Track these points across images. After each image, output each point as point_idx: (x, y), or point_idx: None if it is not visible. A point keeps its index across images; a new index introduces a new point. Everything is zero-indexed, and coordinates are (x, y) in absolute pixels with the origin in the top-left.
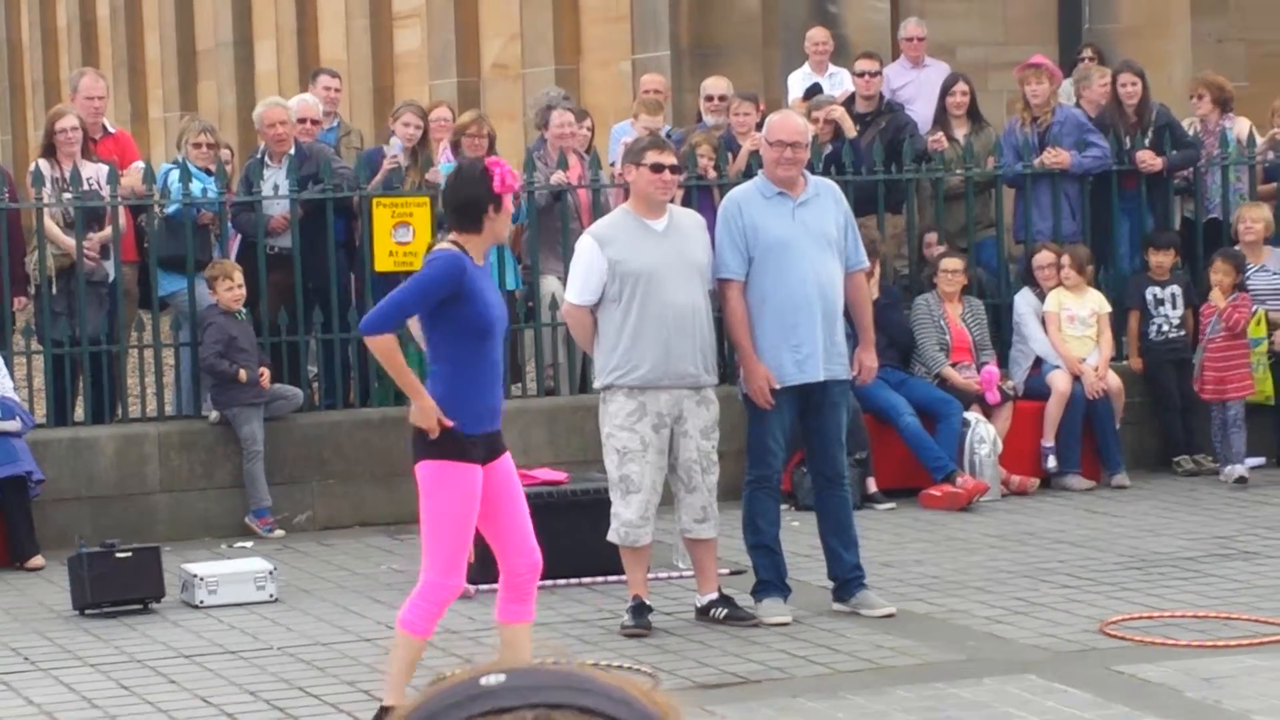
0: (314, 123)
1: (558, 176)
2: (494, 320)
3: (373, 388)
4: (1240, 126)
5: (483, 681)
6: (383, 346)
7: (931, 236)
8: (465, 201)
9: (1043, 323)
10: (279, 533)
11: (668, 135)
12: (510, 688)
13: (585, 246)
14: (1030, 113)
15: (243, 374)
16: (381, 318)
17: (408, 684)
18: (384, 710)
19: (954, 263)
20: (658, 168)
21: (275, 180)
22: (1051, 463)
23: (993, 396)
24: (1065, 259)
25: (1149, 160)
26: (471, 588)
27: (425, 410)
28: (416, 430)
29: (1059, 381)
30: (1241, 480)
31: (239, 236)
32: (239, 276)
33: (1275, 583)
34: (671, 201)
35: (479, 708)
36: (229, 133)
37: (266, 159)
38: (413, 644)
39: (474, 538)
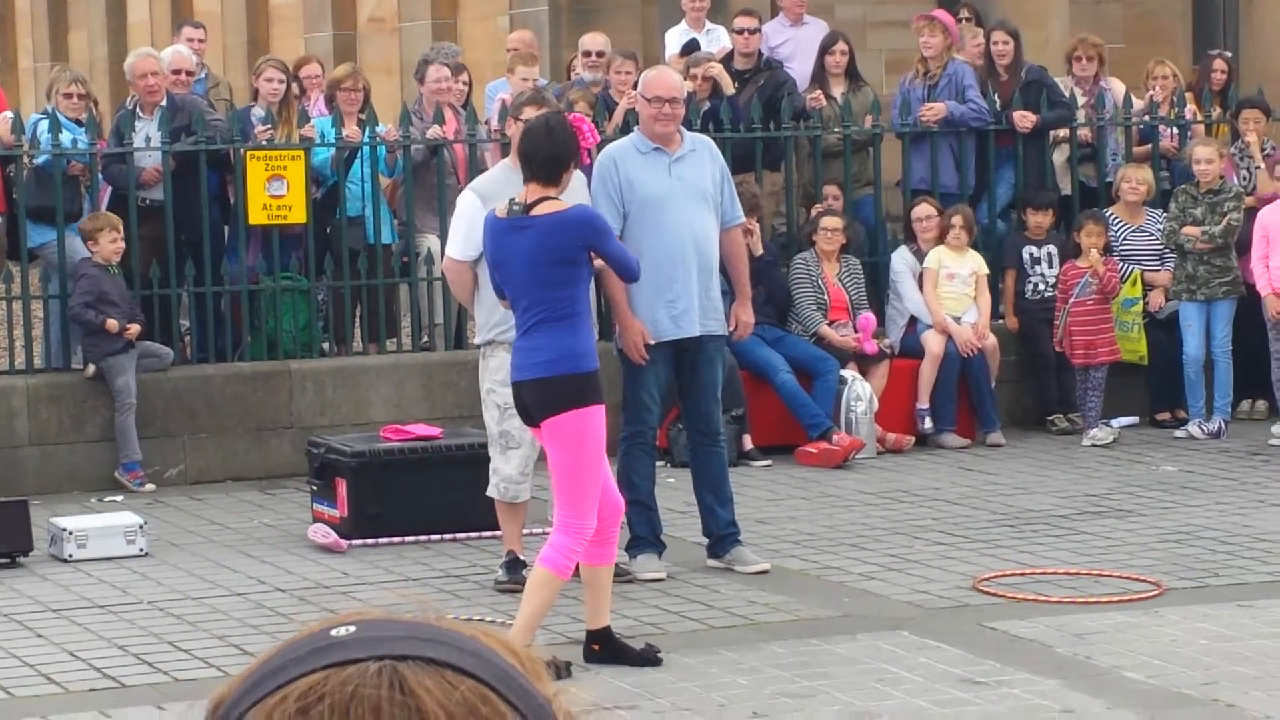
0: (188, 74)
1: (434, 131)
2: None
3: (245, 342)
4: (1116, 88)
5: (333, 633)
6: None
7: (831, 189)
8: (551, 156)
9: (919, 281)
10: (149, 486)
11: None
12: (358, 639)
13: (468, 202)
14: (924, 64)
15: (110, 323)
16: (630, 260)
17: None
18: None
19: (834, 221)
20: None
21: (147, 132)
22: (927, 423)
23: (870, 346)
24: (957, 219)
25: (1023, 120)
26: (343, 542)
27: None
28: (577, 376)
29: (932, 342)
30: (1097, 442)
31: (109, 188)
32: (122, 229)
33: (1146, 540)
34: None
35: (325, 660)
36: (100, 84)
37: (138, 110)
38: (551, 580)
39: None
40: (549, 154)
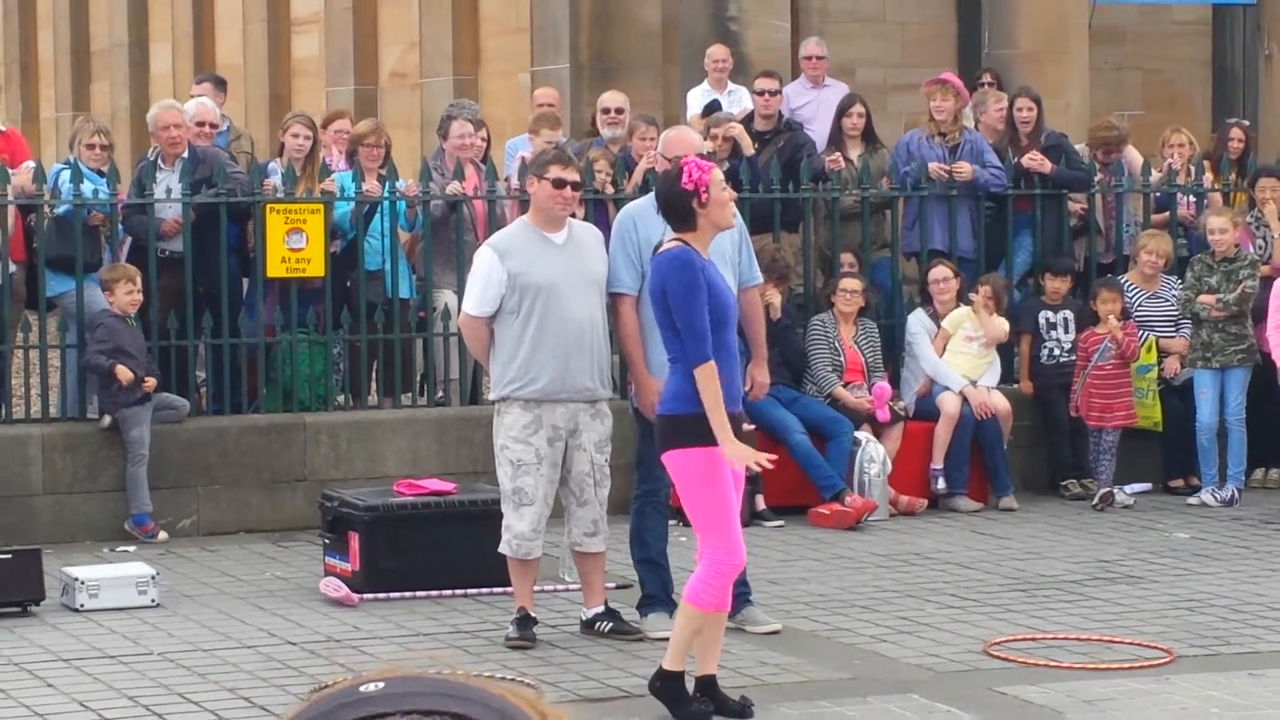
0: (211, 126)
1: (453, 187)
2: (728, 308)
3: (261, 394)
4: (1133, 159)
5: (362, 689)
6: (709, 373)
7: (847, 256)
8: (668, 203)
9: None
10: (163, 536)
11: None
12: (386, 694)
13: (484, 258)
14: (936, 127)
15: (120, 370)
16: (700, 343)
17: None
18: (666, 674)
19: (853, 283)
20: (559, 183)
21: (168, 183)
22: (940, 484)
23: (883, 414)
24: (985, 289)
25: (1038, 160)
26: (355, 596)
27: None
28: (674, 419)
29: (948, 403)
30: (1107, 503)
31: (130, 239)
32: (139, 280)
33: (1157, 607)
34: (571, 216)
35: (353, 714)
36: (121, 134)
37: (159, 161)
38: (698, 616)
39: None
40: (664, 206)
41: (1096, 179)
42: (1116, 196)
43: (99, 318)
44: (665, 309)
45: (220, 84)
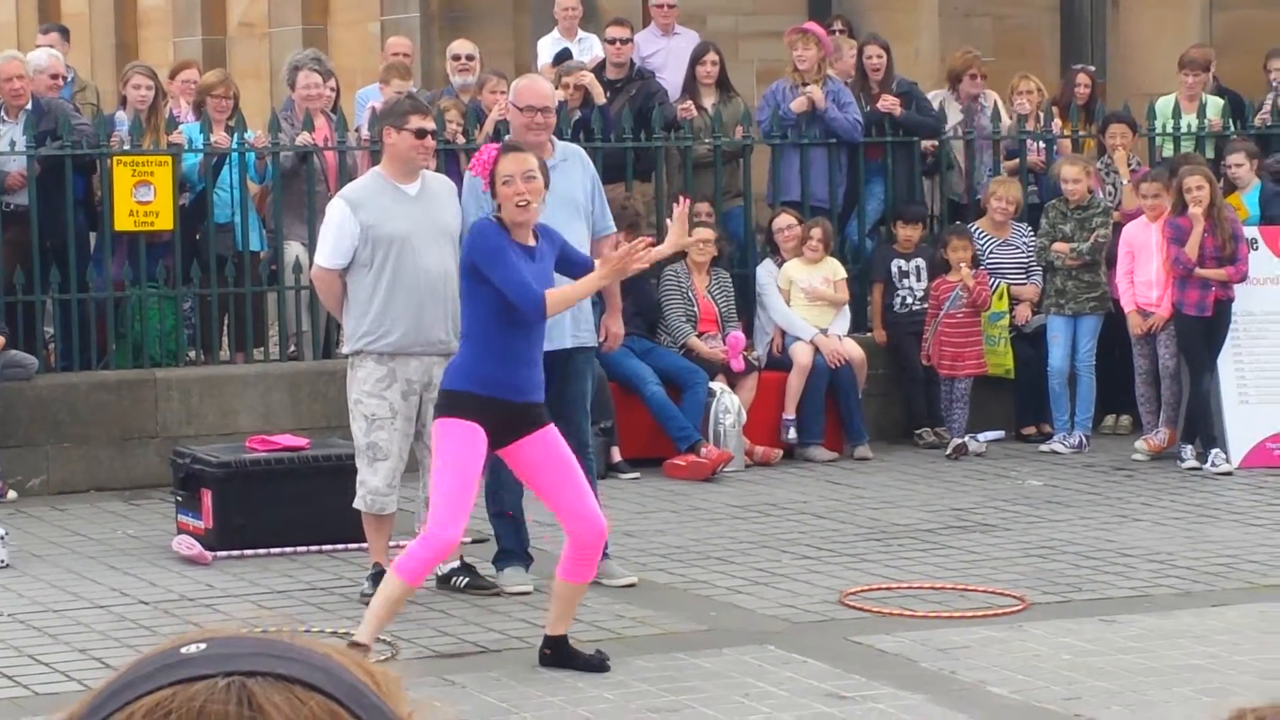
0: (60, 78)
1: (303, 138)
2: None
3: (111, 350)
4: (989, 100)
5: (183, 650)
6: (555, 301)
7: (702, 206)
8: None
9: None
10: (11, 495)
11: None
12: (208, 655)
13: (337, 209)
14: (800, 77)
15: None
16: (524, 292)
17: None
18: (353, 645)
19: (705, 233)
20: (421, 133)
21: (11, 136)
22: (792, 434)
23: (737, 364)
24: (816, 231)
25: (890, 102)
26: (208, 554)
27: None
28: (449, 393)
29: (800, 353)
30: (960, 452)
31: None
32: None
33: (1010, 554)
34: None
35: (173, 676)
36: None
37: (2, 114)
38: (401, 588)
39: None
40: None
41: (954, 123)
42: (969, 144)
43: None
44: (475, 280)
45: (65, 34)
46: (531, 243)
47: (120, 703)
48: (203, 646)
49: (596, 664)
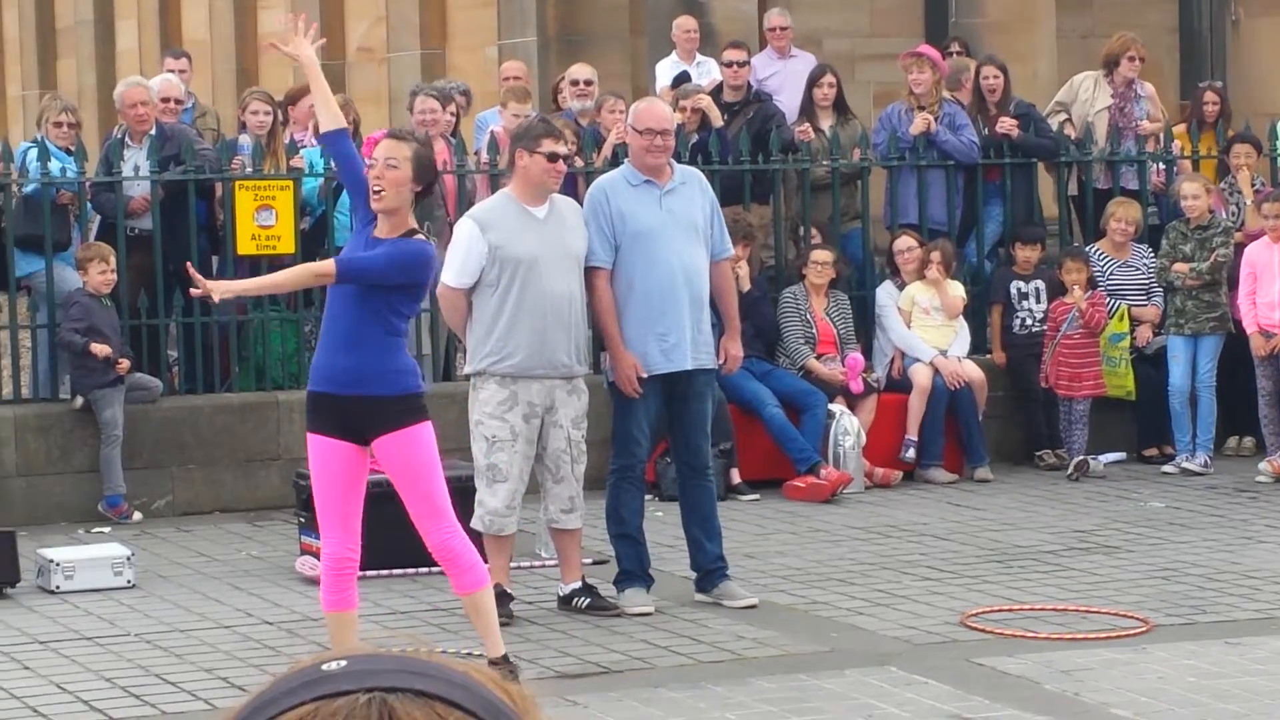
0: (177, 102)
1: None
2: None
3: (233, 373)
4: (1150, 93)
5: (324, 667)
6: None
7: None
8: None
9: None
10: (137, 517)
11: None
12: (349, 672)
13: (466, 229)
14: (915, 100)
15: (96, 347)
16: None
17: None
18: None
19: (824, 254)
20: (553, 157)
21: (136, 161)
22: (912, 455)
23: (856, 385)
24: (935, 254)
25: (1008, 124)
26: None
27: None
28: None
29: (919, 375)
30: (1081, 473)
31: (98, 218)
32: (113, 260)
33: (1133, 576)
34: None
35: (315, 692)
36: (89, 112)
37: (127, 139)
38: (329, 618)
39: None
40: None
41: (1103, 107)
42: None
43: (74, 296)
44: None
45: (186, 59)
46: (383, 235)
47: (264, 717)
48: (344, 663)
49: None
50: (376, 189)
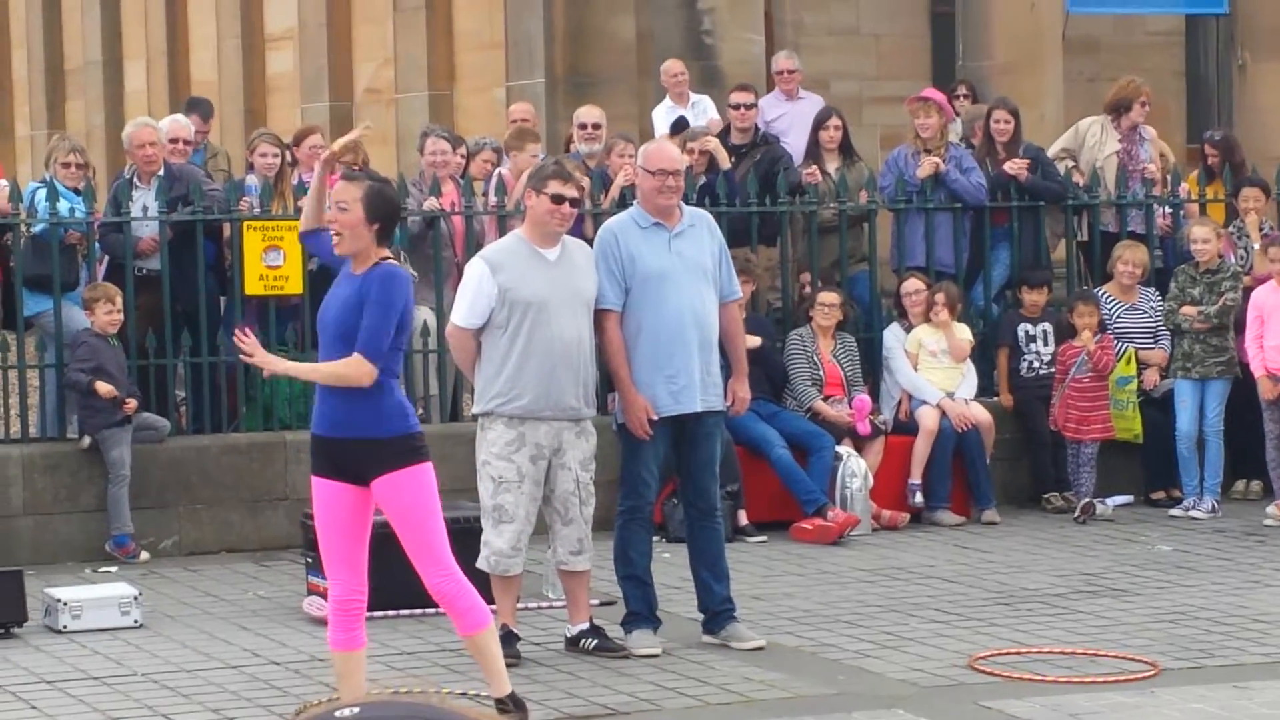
0: (186, 143)
1: (430, 203)
2: (324, 323)
3: (241, 413)
4: (1151, 136)
5: (337, 714)
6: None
7: (805, 276)
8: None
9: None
10: (144, 556)
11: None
12: (361, 719)
13: (476, 270)
14: (922, 143)
15: (101, 386)
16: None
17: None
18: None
19: (831, 296)
20: (558, 199)
21: (144, 201)
22: (919, 498)
23: (863, 427)
24: (940, 296)
25: (1018, 165)
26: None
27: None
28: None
29: (926, 417)
30: (1089, 515)
31: (107, 258)
32: (119, 300)
33: (1141, 619)
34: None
35: None
36: (97, 152)
37: (135, 179)
38: (336, 658)
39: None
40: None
41: (1110, 152)
42: (1093, 208)
43: (81, 336)
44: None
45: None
46: (357, 271)
47: None
48: (356, 710)
49: None
50: (335, 234)
